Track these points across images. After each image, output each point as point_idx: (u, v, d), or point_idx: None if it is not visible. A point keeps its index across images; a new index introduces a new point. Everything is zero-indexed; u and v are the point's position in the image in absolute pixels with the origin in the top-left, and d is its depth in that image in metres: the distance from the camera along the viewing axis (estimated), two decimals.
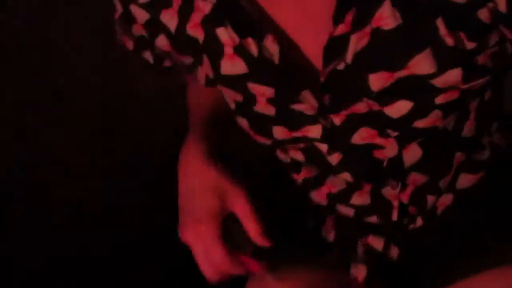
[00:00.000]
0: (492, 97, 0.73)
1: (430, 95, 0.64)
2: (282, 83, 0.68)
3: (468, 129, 0.73)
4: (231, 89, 0.71)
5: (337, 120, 0.69)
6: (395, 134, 0.68)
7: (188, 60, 0.73)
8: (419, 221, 0.78)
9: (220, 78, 0.71)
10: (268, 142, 0.73)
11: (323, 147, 0.72)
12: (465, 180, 0.77)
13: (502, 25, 0.62)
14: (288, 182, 0.82)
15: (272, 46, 0.66)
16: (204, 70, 0.72)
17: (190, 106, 0.85)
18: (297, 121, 0.70)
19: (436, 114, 0.66)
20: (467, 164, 0.76)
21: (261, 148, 0.76)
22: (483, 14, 0.61)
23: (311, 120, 0.69)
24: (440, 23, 0.61)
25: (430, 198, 0.76)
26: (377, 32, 0.63)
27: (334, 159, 0.73)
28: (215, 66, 0.70)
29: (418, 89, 0.64)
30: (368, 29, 0.63)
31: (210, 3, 0.67)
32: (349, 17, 0.62)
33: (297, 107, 0.69)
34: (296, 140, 0.72)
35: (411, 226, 0.78)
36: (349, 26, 0.63)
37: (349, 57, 0.64)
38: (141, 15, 0.72)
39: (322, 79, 0.66)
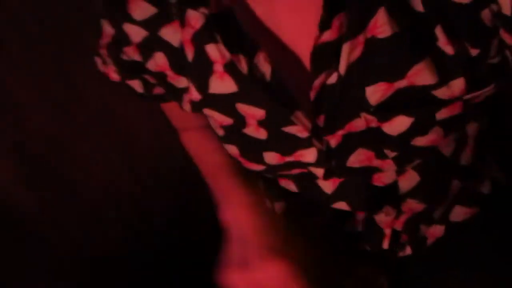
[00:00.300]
0: (491, 124, 0.72)
1: (431, 109, 0.61)
2: (273, 103, 0.64)
3: (466, 157, 0.71)
4: (219, 111, 0.68)
5: (332, 141, 0.65)
6: (393, 154, 0.65)
7: (182, 82, 0.70)
8: (408, 250, 0.76)
9: (207, 99, 0.68)
10: (260, 168, 0.70)
11: (319, 172, 0.68)
12: (459, 213, 0.75)
13: (504, 29, 0.59)
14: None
15: (263, 64, 0.63)
16: (190, 94, 0.69)
17: (203, 168, 0.83)
18: (290, 145, 0.67)
19: (436, 131, 0.63)
20: (463, 196, 0.75)
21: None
22: (486, 16, 0.58)
23: (305, 144, 0.66)
24: (439, 31, 0.59)
25: (423, 227, 0.75)
26: (371, 41, 0.60)
27: (329, 187, 0.71)
28: (203, 86, 0.67)
29: (419, 102, 0.61)
30: (361, 38, 0.60)
31: (203, 14, 0.64)
32: (336, 23, 0.59)
33: (289, 129, 0.65)
34: (290, 165, 0.69)
35: (400, 253, 0.76)
36: (336, 32, 0.59)
37: (342, 68, 0.60)
38: (137, 33, 0.69)
39: (312, 94, 0.62)
